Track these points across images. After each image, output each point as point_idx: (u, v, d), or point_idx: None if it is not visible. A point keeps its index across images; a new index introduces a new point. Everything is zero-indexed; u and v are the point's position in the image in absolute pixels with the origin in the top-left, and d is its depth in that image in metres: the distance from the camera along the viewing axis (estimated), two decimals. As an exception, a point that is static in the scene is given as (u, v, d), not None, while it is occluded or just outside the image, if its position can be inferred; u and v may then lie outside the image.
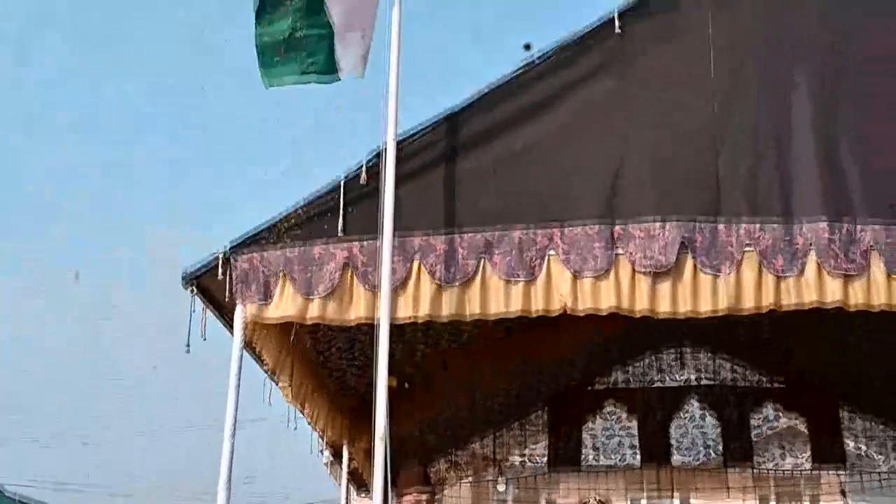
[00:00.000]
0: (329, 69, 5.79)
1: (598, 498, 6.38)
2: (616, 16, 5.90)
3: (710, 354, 10.58)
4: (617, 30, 5.88)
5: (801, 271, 5.52)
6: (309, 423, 7.82)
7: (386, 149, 5.65)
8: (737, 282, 5.53)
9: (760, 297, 5.51)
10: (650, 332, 9.67)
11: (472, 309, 5.66)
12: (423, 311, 5.66)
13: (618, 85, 5.87)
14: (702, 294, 5.53)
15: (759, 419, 10.87)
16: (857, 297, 5.49)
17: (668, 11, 5.95)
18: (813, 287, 5.50)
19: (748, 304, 5.52)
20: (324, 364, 7.66)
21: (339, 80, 5.80)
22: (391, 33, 5.78)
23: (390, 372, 5.46)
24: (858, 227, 5.54)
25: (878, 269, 5.52)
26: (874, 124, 5.76)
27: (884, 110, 5.79)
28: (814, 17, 5.93)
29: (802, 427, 10.82)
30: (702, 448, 10.86)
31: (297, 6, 5.73)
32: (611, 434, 10.73)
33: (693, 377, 10.69)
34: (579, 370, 10.24)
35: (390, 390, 5.48)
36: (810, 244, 5.53)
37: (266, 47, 5.72)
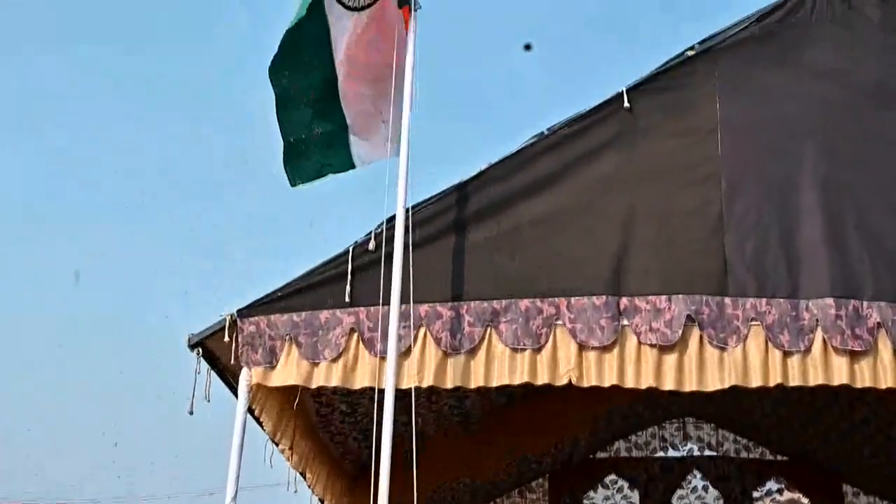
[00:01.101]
0: (345, 165, 5.96)
1: None
2: (625, 91, 5.99)
3: (713, 426, 10.54)
4: (625, 105, 5.97)
5: (808, 347, 5.54)
6: (310, 488, 7.77)
7: (396, 217, 5.71)
8: (743, 356, 5.55)
9: (767, 373, 5.51)
10: (654, 403, 9.66)
11: (477, 378, 5.66)
12: (428, 379, 5.66)
13: (625, 160, 5.93)
14: (708, 369, 5.54)
15: (761, 492, 10.78)
16: (863, 376, 5.50)
17: (676, 89, 6.04)
18: (819, 365, 5.50)
19: (755, 380, 5.52)
20: (325, 428, 7.63)
21: (356, 167, 5.96)
22: (402, 106, 5.87)
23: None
24: (865, 304, 5.57)
25: (885, 347, 5.54)
26: (881, 205, 5.81)
27: (891, 190, 5.85)
28: (821, 98, 6.01)
29: (805, 502, 10.72)
30: (703, 521, 10.76)
31: (314, 100, 5.87)
32: (612, 504, 10.63)
33: (696, 449, 10.63)
34: (582, 439, 10.17)
35: (392, 459, 5.46)
36: (817, 320, 5.55)
37: (288, 145, 5.88)
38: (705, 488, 10.56)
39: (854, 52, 6.15)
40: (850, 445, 9.55)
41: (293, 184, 5.98)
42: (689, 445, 10.71)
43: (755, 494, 10.55)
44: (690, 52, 6.10)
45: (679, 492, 10.52)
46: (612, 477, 10.62)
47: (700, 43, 6.14)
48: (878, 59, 6.14)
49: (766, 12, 6.20)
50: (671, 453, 10.71)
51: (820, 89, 6.05)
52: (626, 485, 10.59)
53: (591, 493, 10.55)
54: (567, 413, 9.37)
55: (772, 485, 10.74)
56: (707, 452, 10.67)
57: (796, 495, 10.82)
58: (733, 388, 5.68)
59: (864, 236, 5.73)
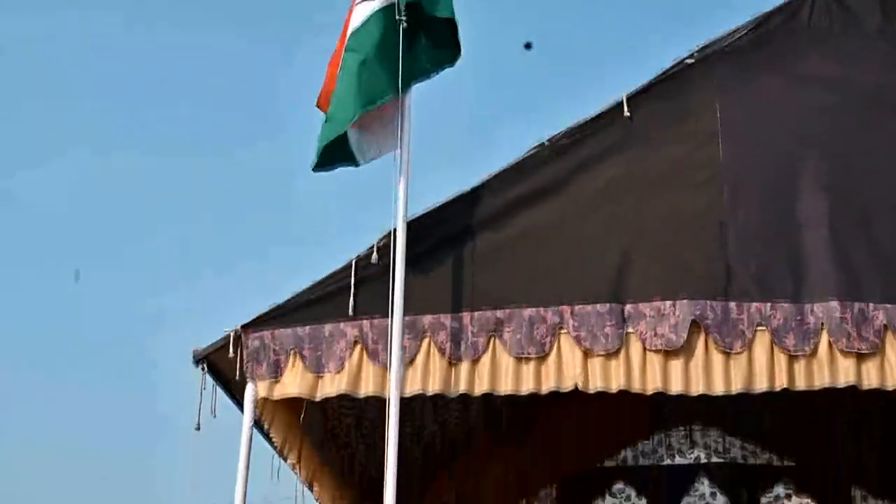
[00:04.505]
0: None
1: None
2: (625, 100, 6.01)
3: (719, 433, 10.51)
4: (625, 113, 5.99)
5: (814, 350, 5.53)
6: (317, 501, 7.76)
7: (397, 229, 5.73)
8: (749, 360, 5.55)
9: (773, 376, 5.51)
10: (659, 410, 9.65)
11: (482, 386, 5.67)
12: (433, 387, 5.68)
13: (626, 167, 5.95)
14: (714, 373, 5.53)
15: (769, 498, 10.75)
16: (870, 377, 5.49)
17: (675, 96, 6.05)
18: (826, 367, 5.50)
19: (761, 384, 5.52)
20: (333, 441, 7.63)
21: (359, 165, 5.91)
22: (401, 115, 5.88)
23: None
24: (871, 306, 5.56)
25: (891, 348, 5.52)
26: (885, 208, 5.82)
27: (893, 193, 5.85)
28: (821, 104, 6.03)
29: (814, 506, 10.70)
30: (712, 527, 10.74)
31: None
32: (620, 512, 10.61)
33: (703, 455, 10.61)
34: (589, 448, 10.16)
35: (399, 470, 5.47)
36: (822, 323, 5.55)
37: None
38: (713, 495, 10.53)
39: (853, 59, 6.15)
40: (858, 449, 9.54)
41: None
42: (696, 452, 10.67)
43: (763, 500, 10.52)
44: (690, 60, 6.12)
45: (687, 499, 10.48)
46: (620, 485, 10.60)
47: (699, 51, 6.16)
48: (877, 66, 6.15)
49: (763, 19, 6.21)
50: (678, 460, 10.67)
51: (820, 95, 6.07)
52: (633, 493, 10.56)
53: (599, 502, 10.53)
54: (573, 420, 9.40)
55: (779, 490, 10.71)
56: (714, 459, 10.63)
57: (804, 500, 10.80)
58: (740, 393, 5.68)
59: (868, 239, 5.73)
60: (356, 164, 5.94)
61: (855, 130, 5.97)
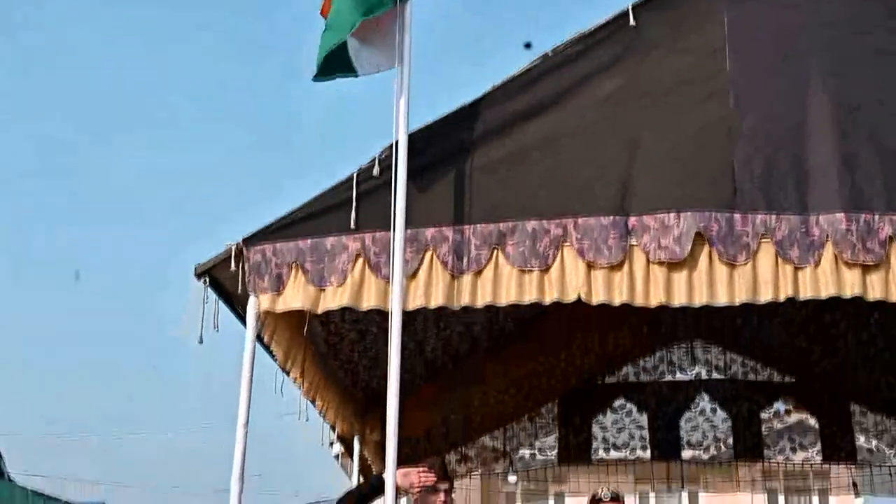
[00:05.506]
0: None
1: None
2: (630, 9, 5.89)
3: (720, 349, 10.57)
4: (631, 23, 5.87)
5: (818, 262, 5.49)
6: (320, 415, 7.83)
7: (398, 141, 5.66)
8: (753, 272, 5.51)
9: (778, 288, 5.47)
10: (661, 326, 9.69)
11: (485, 296, 5.65)
12: (436, 299, 5.65)
13: (632, 78, 5.84)
14: (718, 284, 5.50)
15: (769, 414, 10.86)
16: (874, 289, 5.45)
17: (682, 5, 5.93)
18: (830, 278, 5.46)
19: (765, 295, 5.49)
20: (335, 356, 7.67)
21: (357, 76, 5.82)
22: (402, 25, 5.78)
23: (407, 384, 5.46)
24: (877, 217, 5.50)
25: None
26: (892, 119, 5.72)
27: None
28: (829, 12, 5.90)
29: (813, 422, 10.81)
30: (712, 442, 10.87)
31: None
32: (621, 427, 10.72)
33: (704, 372, 10.68)
34: (590, 364, 10.23)
35: (402, 385, 5.49)
36: (827, 234, 5.50)
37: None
38: (713, 410, 10.63)
39: None
40: (858, 365, 9.59)
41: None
42: (697, 369, 10.75)
43: (763, 416, 10.63)
44: None
45: (687, 414, 10.60)
46: (621, 401, 10.70)
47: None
48: None
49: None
50: (679, 377, 10.76)
51: (828, 3, 5.94)
52: (634, 408, 10.67)
53: (601, 417, 10.64)
54: (575, 337, 9.44)
55: (779, 406, 10.82)
56: (715, 375, 10.71)
57: (804, 416, 10.91)
58: (742, 309, 5.66)
59: (876, 150, 5.63)
60: (355, 75, 5.86)
61: (865, 41, 5.85)
